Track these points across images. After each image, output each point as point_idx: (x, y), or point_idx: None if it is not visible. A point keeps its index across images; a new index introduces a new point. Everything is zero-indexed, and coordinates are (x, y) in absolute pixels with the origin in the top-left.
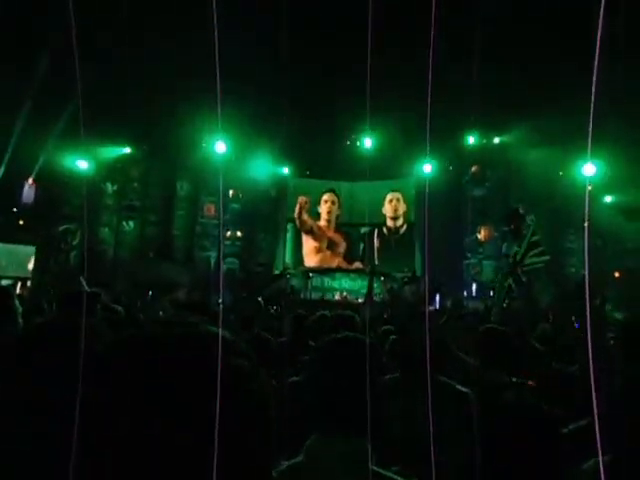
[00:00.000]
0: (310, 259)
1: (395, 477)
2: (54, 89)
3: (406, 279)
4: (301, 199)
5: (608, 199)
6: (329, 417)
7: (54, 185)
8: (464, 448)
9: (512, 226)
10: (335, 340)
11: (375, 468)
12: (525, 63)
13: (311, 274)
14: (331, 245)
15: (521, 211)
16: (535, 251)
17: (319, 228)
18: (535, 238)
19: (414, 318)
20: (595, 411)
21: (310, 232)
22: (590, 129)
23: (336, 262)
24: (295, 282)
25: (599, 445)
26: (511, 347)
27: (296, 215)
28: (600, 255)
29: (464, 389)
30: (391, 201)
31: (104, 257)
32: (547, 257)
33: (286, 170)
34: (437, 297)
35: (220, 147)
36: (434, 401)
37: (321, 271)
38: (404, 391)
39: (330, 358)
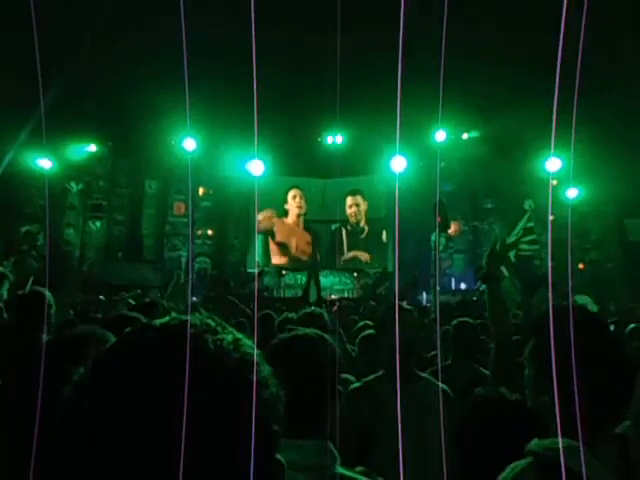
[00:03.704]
0: (276, 260)
1: (360, 478)
2: (15, 84)
3: (378, 274)
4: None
5: (573, 193)
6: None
7: (14, 184)
8: (451, 449)
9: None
10: (289, 338)
11: (340, 470)
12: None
13: (284, 272)
14: (297, 243)
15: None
16: (528, 238)
17: (284, 227)
18: (530, 224)
19: (392, 316)
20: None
21: (273, 236)
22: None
23: (306, 259)
24: (268, 280)
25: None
26: (480, 341)
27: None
28: (564, 248)
29: (446, 388)
30: (351, 206)
31: (69, 259)
32: (537, 247)
33: None
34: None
35: (189, 144)
36: (420, 401)
37: (294, 269)
38: (386, 391)
39: (285, 357)
